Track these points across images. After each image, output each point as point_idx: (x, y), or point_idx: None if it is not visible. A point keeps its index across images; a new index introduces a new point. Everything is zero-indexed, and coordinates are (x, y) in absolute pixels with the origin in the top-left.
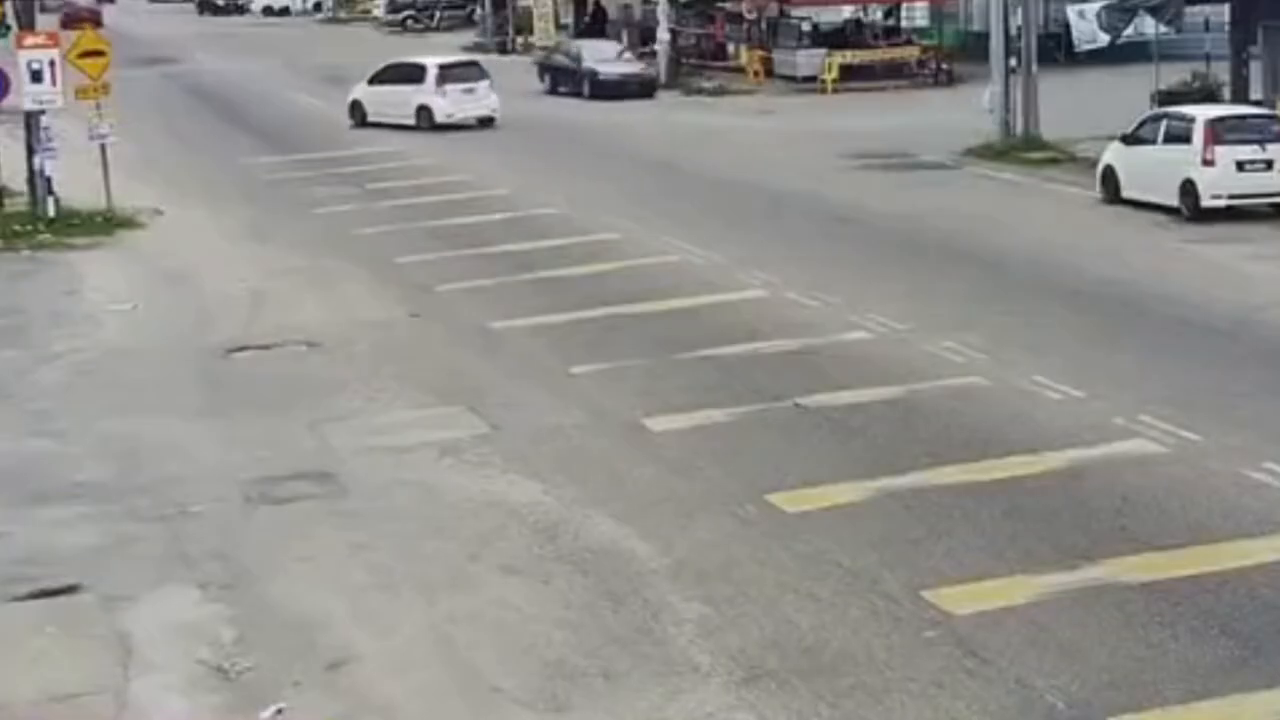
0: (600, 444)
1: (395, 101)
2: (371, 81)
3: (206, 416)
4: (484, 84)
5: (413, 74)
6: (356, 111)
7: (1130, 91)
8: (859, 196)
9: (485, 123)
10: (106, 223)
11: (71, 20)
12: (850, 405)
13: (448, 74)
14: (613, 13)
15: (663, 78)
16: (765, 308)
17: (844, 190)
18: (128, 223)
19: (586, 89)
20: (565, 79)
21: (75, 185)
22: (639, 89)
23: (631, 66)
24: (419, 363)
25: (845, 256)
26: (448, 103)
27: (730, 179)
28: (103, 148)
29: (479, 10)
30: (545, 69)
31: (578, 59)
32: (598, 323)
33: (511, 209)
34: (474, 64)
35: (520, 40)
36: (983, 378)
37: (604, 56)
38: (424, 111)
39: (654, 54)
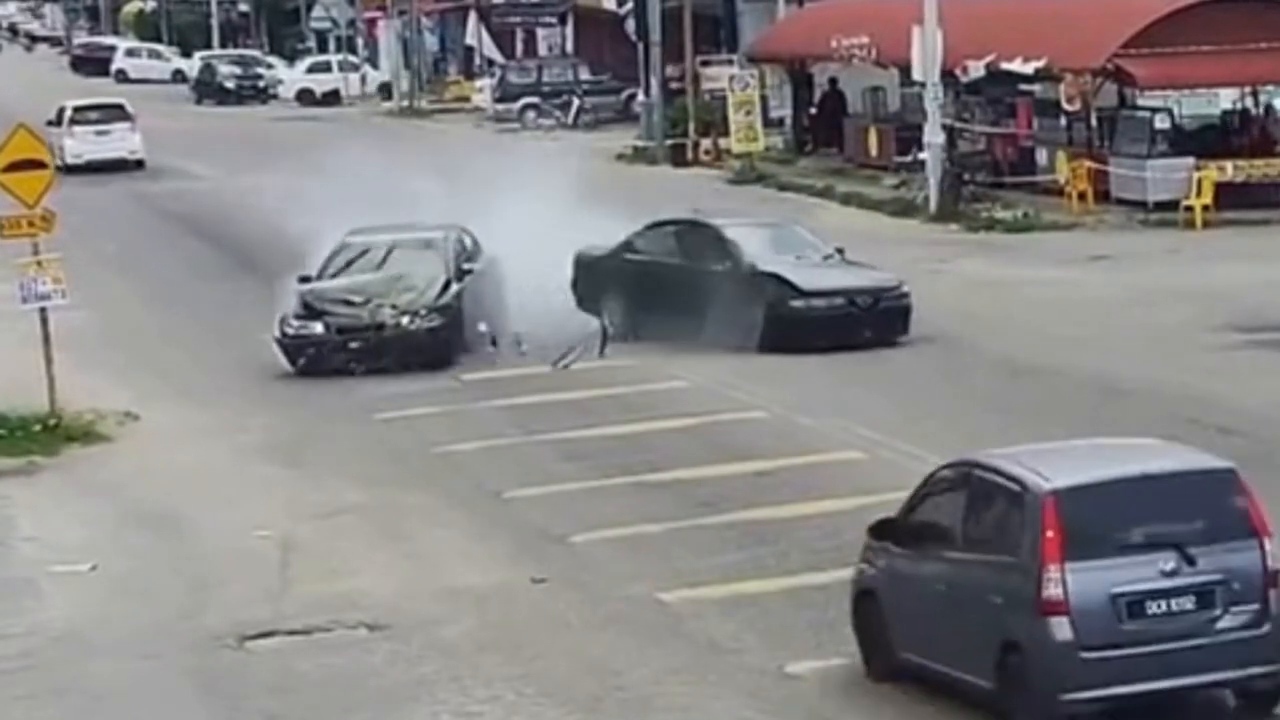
0: None
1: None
2: (50, 124)
3: None
4: (124, 125)
5: (60, 116)
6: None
7: None
8: (1246, 393)
9: (138, 165)
10: (49, 433)
11: None
12: None
13: (81, 115)
14: (854, 100)
15: (933, 203)
16: None
17: (1221, 382)
18: (83, 434)
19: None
20: None
21: None
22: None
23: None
24: (545, 657)
25: None
26: (76, 143)
27: (1037, 363)
28: (43, 316)
29: (640, 97)
30: None
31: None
32: (829, 593)
33: (694, 411)
34: (116, 106)
35: (707, 144)
36: None
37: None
38: (61, 153)
39: (917, 166)
